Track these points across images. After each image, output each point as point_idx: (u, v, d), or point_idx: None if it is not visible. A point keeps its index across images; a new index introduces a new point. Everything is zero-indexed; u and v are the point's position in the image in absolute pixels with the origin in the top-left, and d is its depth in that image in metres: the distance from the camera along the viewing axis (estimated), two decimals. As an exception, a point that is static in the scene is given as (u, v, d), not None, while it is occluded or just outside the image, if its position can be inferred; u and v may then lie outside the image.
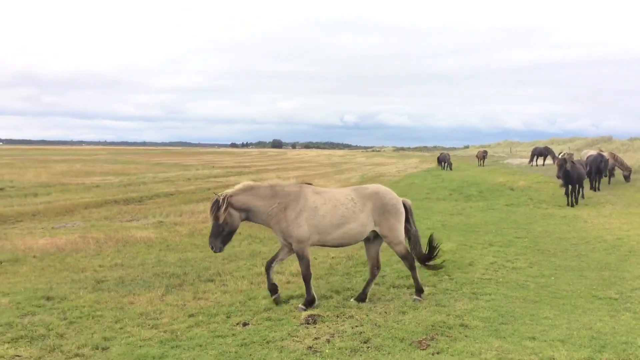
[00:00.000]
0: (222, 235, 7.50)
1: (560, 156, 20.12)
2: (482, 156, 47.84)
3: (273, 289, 7.71)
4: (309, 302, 7.52)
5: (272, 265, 7.81)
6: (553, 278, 9.16)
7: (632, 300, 7.88)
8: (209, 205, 7.73)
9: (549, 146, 44.79)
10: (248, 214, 7.61)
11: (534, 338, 6.25)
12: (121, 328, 6.69)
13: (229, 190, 7.64)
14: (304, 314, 7.08)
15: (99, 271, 9.68)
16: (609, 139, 53.83)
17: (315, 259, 10.56)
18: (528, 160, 41.93)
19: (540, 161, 39.99)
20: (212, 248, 7.61)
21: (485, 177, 31.83)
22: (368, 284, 7.99)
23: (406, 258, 7.90)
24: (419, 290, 7.92)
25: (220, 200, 7.39)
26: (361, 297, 7.84)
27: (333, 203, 7.58)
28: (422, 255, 8.16)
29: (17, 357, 5.81)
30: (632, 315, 7.16)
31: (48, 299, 7.84)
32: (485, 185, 26.17)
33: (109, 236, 12.79)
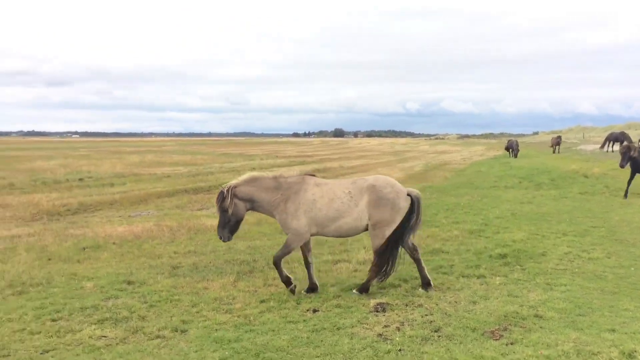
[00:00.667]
0: (229, 225, 7.76)
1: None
2: (556, 142, 45.66)
3: (313, 288, 7.84)
4: (286, 283, 7.75)
5: (309, 260, 7.96)
6: (633, 269, 8.75)
7: None
8: (215, 197, 7.97)
9: (625, 131, 42.49)
10: (253, 205, 7.81)
11: (613, 330, 6.02)
12: (198, 312, 6.98)
13: (234, 182, 7.80)
14: (373, 301, 7.12)
15: (174, 257, 10.10)
16: (693, 122, 50.42)
17: (382, 247, 10.56)
18: (600, 145, 40.01)
19: (616, 147, 38.01)
20: (220, 238, 7.86)
21: (557, 164, 30.62)
22: (420, 269, 7.84)
23: (379, 256, 7.61)
24: (364, 289, 7.64)
25: (225, 192, 7.62)
26: (425, 283, 7.76)
27: (330, 196, 7.57)
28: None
29: (103, 338, 6.18)
30: None
31: (129, 283, 8.28)
32: (557, 173, 25.17)
33: (182, 224, 13.30)
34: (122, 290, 7.94)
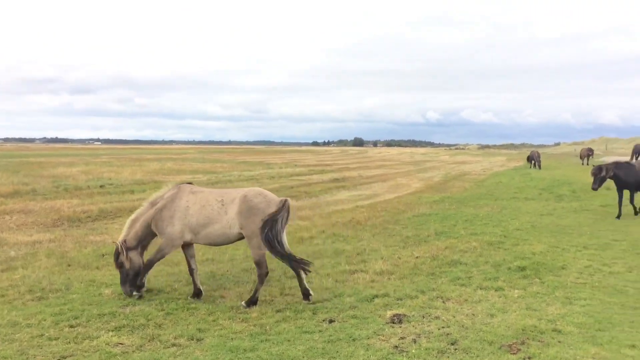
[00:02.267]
0: (129, 279, 7.99)
1: None
2: (587, 154, 44.44)
3: (198, 293, 8.00)
4: (138, 288, 8.00)
5: (192, 266, 8.15)
6: (656, 284, 8.58)
7: None
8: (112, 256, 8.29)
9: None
10: (143, 242, 8.12)
11: (634, 346, 5.91)
12: (214, 320, 7.02)
13: (121, 236, 8.09)
14: (389, 313, 7.08)
15: (191, 265, 10.15)
16: None
17: (399, 258, 10.54)
18: (629, 157, 39.31)
19: None
20: (125, 294, 8.02)
21: (579, 176, 30.20)
22: (300, 282, 7.92)
23: (259, 266, 7.68)
24: (253, 302, 7.59)
25: (119, 248, 7.92)
26: (305, 294, 7.78)
27: (202, 203, 7.76)
28: (285, 254, 7.77)
29: (120, 345, 6.25)
30: None
31: (146, 290, 8.36)
32: (579, 185, 24.83)
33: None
34: (139, 298, 8.02)
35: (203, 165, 43.97)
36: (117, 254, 8.02)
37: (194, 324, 6.89)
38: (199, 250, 11.48)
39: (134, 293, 7.98)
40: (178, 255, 10.95)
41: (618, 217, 15.35)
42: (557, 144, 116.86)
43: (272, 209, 7.66)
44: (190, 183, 8.53)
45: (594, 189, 15.93)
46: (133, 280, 8.02)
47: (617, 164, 15.72)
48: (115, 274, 9.43)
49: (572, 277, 8.94)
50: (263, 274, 7.75)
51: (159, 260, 8.13)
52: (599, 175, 15.57)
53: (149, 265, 8.08)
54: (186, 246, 8.20)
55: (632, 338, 6.18)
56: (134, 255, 8.03)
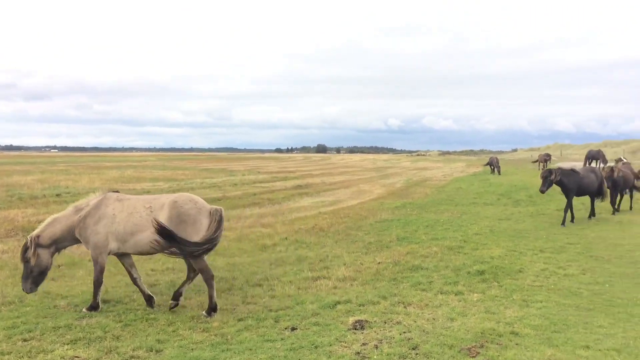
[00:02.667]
0: (32, 276, 7.73)
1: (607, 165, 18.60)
2: (544, 159, 44.90)
3: (149, 299, 7.91)
4: (93, 307, 7.69)
5: (134, 275, 8.04)
6: (607, 285, 8.87)
7: (693, 309, 7.55)
8: (20, 248, 7.99)
9: (601, 149, 43.31)
10: (58, 245, 7.85)
11: (588, 347, 6.09)
12: (174, 331, 6.89)
13: (36, 231, 7.81)
14: (351, 319, 7.11)
15: (151, 275, 9.99)
16: (666, 140, 51.60)
17: (362, 264, 10.60)
18: (582, 163, 40.63)
19: (594, 164, 38.72)
20: (23, 289, 7.81)
21: (535, 181, 30.95)
22: (183, 284, 8.00)
23: (203, 271, 7.60)
24: (212, 309, 7.52)
25: (29, 242, 7.64)
26: (175, 296, 7.82)
27: (129, 211, 7.59)
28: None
29: (75, 358, 6.06)
30: (694, 326, 6.86)
31: (104, 301, 8.14)
32: (535, 190, 25.38)
33: (160, 241, 13.14)
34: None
35: (164, 173, 43.29)
36: (25, 248, 7.65)
37: (153, 335, 6.75)
38: (158, 259, 11.29)
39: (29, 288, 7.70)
40: (136, 265, 10.74)
41: (562, 223, 15.53)
42: (515, 150, 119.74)
43: (203, 217, 7.53)
44: (116, 191, 8.26)
45: (542, 191, 16.01)
46: (36, 278, 7.71)
47: (562, 171, 16.09)
48: (71, 285, 9.21)
49: (529, 280, 9.16)
50: (209, 278, 7.61)
51: (101, 273, 7.77)
52: (549, 178, 15.79)
53: (97, 283, 7.77)
54: (122, 256, 8.00)
55: (586, 339, 6.36)
56: (43, 253, 7.67)
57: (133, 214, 7.61)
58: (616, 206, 18.11)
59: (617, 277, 9.42)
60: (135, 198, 7.96)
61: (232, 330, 6.85)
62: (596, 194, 16.65)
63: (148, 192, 26.79)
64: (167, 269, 10.41)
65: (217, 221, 7.54)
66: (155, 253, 8.00)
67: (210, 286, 7.60)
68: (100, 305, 7.84)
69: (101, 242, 7.64)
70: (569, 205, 15.89)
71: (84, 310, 7.72)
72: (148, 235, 7.49)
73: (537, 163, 46.19)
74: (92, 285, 7.89)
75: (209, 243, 7.44)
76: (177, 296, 7.87)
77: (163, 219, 7.42)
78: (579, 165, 40.78)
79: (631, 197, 19.24)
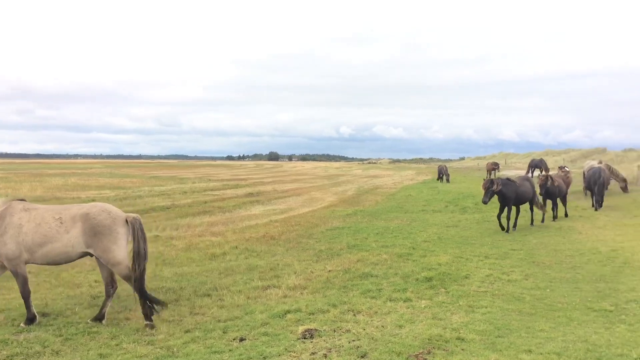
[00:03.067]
0: None
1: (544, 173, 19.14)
2: (492, 168, 45.36)
3: (32, 317, 7.54)
4: (30, 320, 7.48)
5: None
6: (548, 290, 9.19)
7: (627, 312, 7.91)
8: None
9: (543, 158, 45.05)
10: None
11: (530, 351, 6.27)
12: (117, 344, 6.68)
13: None
14: (301, 328, 7.08)
15: (94, 287, 9.66)
16: (603, 150, 54.21)
17: (312, 272, 10.59)
18: (525, 171, 42.09)
19: (537, 173, 40.18)
20: None
21: (481, 189, 31.86)
22: (104, 303, 7.74)
23: (128, 279, 7.47)
24: (148, 316, 7.47)
25: None
26: (98, 317, 7.59)
27: (37, 221, 7.40)
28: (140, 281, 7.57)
29: (12, 375, 5.79)
30: (627, 328, 7.18)
31: (43, 315, 7.83)
32: (481, 198, 26.17)
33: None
34: (35, 323, 7.49)
35: (111, 181, 42.13)
36: None
37: (95, 349, 6.52)
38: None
39: None
40: (79, 276, 10.40)
41: (506, 230, 15.86)
42: (462, 159, 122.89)
43: (118, 226, 7.38)
44: (22, 200, 7.94)
45: (484, 202, 15.97)
46: None
47: (502, 181, 16.27)
48: (9, 299, 8.80)
49: (474, 286, 9.38)
50: (141, 286, 7.49)
51: (24, 284, 7.47)
52: (491, 188, 15.93)
53: (24, 294, 7.47)
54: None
55: (528, 343, 6.55)
56: None
57: (41, 224, 7.32)
58: (555, 213, 18.81)
59: (557, 282, 9.77)
60: (43, 208, 7.64)
61: (178, 343, 6.70)
62: (531, 202, 17.24)
63: (93, 200, 26.00)
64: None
65: (140, 230, 7.47)
66: (68, 263, 7.81)
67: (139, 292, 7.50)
68: (38, 317, 7.53)
69: (12, 254, 7.31)
70: (508, 214, 16.28)
71: (21, 325, 7.39)
72: (58, 247, 7.26)
73: (487, 172, 47.25)
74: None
75: (143, 259, 7.44)
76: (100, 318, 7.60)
77: (77, 230, 7.24)
78: (522, 173, 42.28)
79: (564, 204, 19.88)
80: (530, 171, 40.79)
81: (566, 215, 19.13)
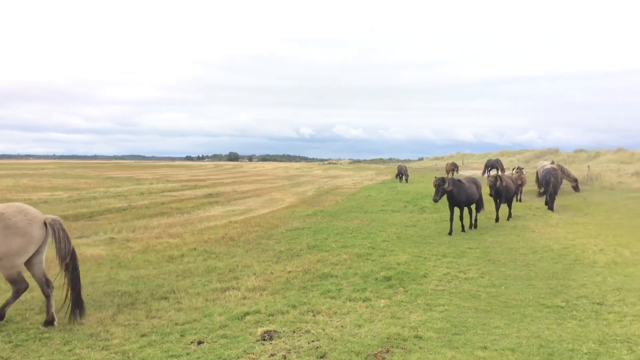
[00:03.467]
0: None
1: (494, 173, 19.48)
2: (452, 169, 45.76)
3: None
4: None
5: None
6: (503, 288, 9.41)
7: (577, 308, 8.18)
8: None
9: (499, 158, 46.20)
10: None
11: (485, 347, 6.40)
12: (70, 350, 6.48)
13: None
14: (260, 330, 7.03)
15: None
16: (555, 151, 55.97)
17: (272, 273, 10.54)
18: (481, 172, 43.12)
19: (493, 172, 41.22)
20: None
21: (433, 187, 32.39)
22: (48, 305, 7.50)
23: (15, 282, 7.27)
24: (48, 322, 7.36)
25: None
26: (48, 321, 7.40)
27: None
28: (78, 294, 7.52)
29: (-43, 385, 5.54)
30: (578, 323, 7.42)
31: (-9, 321, 7.52)
32: (439, 197, 26.61)
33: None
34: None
35: (64, 182, 40.92)
36: None
37: (47, 355, 6.31)
38: (55, 274, 10.60)
39: None
40: (30, 281, 10.02)
41: (450, 233, 15.64)
42: (421, 159, 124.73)
43: (35, 229, 7.17)
44: None
45: (435, 200, 15.62)
46: None
47: (453, 181, 16.12)
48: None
49: (432, 285, 9.52)
50: (21, 290, 7.35)
51: None
52: (442, 186, 15.65)
53: None
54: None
55: (483, 340, 6.70)
56: None
57: None
58: (510, 212, 19.25)
59: (511, 280, 10.02)
60: None
61: (134, 347, 6.55)
62: (478, 203, 17.35)
63: (46, 202, 25.20)
64: (63, 285, 9.76)
65: (61, 231, 7.35)
66: None
67: (15, 297, 7.41)
68: None
69: None
70: (461, 215, 16.22)
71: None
72: None
73: (447, 172, 47.75)
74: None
75: (71, 259, 7.42)
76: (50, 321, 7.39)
77: None
78: (477, 172, 43.22)
79: (510, 205, 20.06)
80: (486, 171, 41.80)
81: (509, 217, 19.17)
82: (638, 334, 6.87)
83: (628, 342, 6.60)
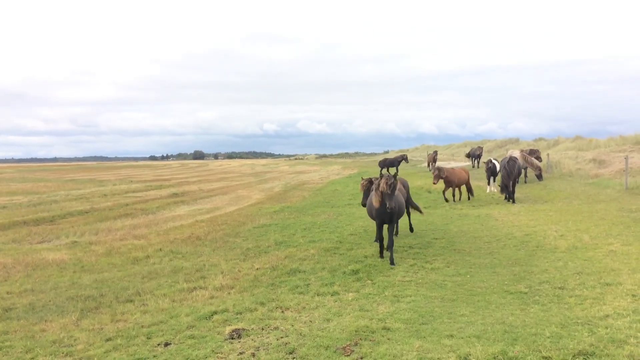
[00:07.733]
0: None
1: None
2: (433, 159, 44.17)
3: None
4: None
5: None
6: (468, 276, 9.57)
7: (540, 293, 8.38)
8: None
9: (481, 146, 46.78)
10: None
11: (451, 336, 6.50)
12: (32, 358, 6.32)
13: None
14: (228, 328, 6.98)
15: (6, 298, 9.08)
16: (516, 140, 57.03)
17: (240, 271, 10.47)
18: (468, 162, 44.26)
19: (475, 163, 42.33)
20: None
21: (409, 180, 32.70)
22: None
23: None
24: None
25: None
26: None
27: None
28: None
29: None
30: (541, 308, 7.60)
31: (-52, 333, 7.26)
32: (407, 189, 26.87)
33: (18, 260, 12.05)
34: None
35: (23, 186, 39.76)
36: None
37: (8, 365, 6.13)
38: (16, 280, 10.32)
39: None
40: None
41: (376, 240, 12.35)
42: (387, 152, 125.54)
43: None
44: None
45: (364, 204, 13.23)
46: None
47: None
48: None
49: (399, 276, 9.62)
50: None
51: None
52: (370, 188, 13.21)
53: None
54: None
55: (450, 328, 6.80)
56: None
57: None
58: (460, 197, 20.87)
59: (476, 268, 10.20)
60: None
61: (99, 352, 6.42)
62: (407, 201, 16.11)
63: (4, 207, 24.45)
64: (25, 291, 9.52)
65: None
66: None
67: None
68: None
69: None
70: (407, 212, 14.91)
71: None
72: None
73: (428, 164, 47.38)
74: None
75: None
76: None
77: None
78: (442, 164, 43.85)
79: (460, 194, 22.30)
80: (472, 161, 42.76)
81: (452, 199, 21.74)
82: (598, 316, 7.08)
83: (589, 324, 6.80)
